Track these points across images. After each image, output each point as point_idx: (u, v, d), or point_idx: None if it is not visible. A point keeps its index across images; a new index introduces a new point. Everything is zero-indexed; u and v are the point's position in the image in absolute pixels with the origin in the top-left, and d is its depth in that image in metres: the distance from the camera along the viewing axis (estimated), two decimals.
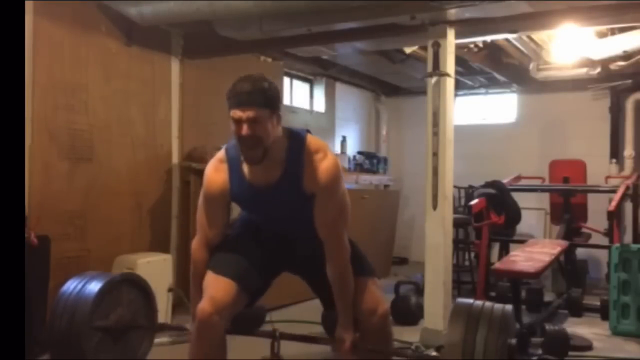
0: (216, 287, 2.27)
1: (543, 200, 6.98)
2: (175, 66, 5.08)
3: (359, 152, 7.45)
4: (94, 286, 2.56)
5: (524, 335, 3.69)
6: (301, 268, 2.54)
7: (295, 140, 2.28)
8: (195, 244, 2.43)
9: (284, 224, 2.44)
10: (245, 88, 2.13)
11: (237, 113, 2.15)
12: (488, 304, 2.24)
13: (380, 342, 2.42)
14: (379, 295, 2.42)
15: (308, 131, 2.37)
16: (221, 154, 2.38)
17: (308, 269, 2.51)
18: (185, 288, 4.72)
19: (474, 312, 2.17)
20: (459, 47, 4.66)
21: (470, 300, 2.30)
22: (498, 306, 2.21)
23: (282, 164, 2.26)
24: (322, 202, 2.28)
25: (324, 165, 2.26)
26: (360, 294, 2.35)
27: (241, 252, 2.39)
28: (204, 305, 2.23)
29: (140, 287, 2.78)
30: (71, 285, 2.60)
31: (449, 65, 4.12)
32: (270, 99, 2.16)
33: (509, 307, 2.24)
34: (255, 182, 2.29)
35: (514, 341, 2.15)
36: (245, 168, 2.30)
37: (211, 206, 2.39)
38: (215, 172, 2.36)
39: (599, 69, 6.13)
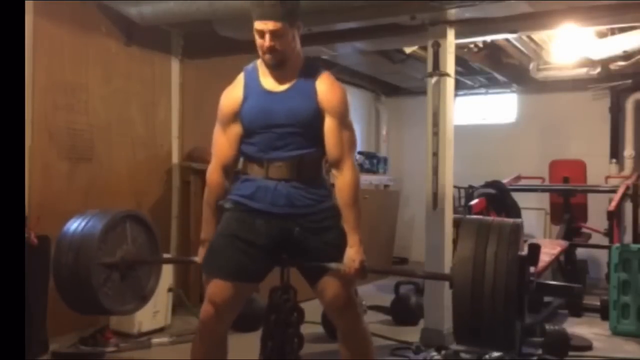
0: (214, 291, 2.28)
1: (543, 200, 6.98)
2: (175, 66, 5.09)
3: (359, 152, 7.44)
4: (98, 223, 2.56)
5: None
6: (298, 255, 2.41)
7: (312, 61, 2.43)
8: (211, 167, 2.46)
9: (286, 159, 2.34)
10: (271, 1, 2.20)
11: (259, 25, 2.23)
12: (498, 219, 2.24)
13: (359, 343, 2.43)
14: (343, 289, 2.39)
15: None
16: (240, 74, 2.45)
17: (305, 256, 2.40)
18: (185, 288, 4.73)
19: (484, 226, 2.16)
20: (459, 47, 4.67)
21: (480, 217, 2.31)
22: (508, 220, 2.22)
23: (298, 74, 2.35)
24: (332, 119, 2.34)
25: (336, 86, 2.37)
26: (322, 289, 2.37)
27: (234, 247, 2.32)
28: (206, 308, 2.27)
29: (143, 224, 2.79)
30: (74, 224, 2.59)
31: (449, 65, 4.12)
32: (292, 12, 2.25)
33: (518, 220, 2.26)
34: (269, 88, 2.35)
35: (524, 253, 2.16)
36: (262, 76, 2.37)
37: (226, 124, 2.40)
38: (232, 89, 2.42)
39: (599, 69, 6.14)
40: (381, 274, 2.21)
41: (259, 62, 2.37)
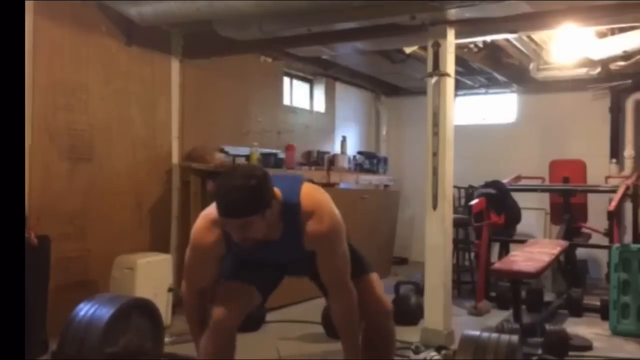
0: (230, 290, 2.33)
1: (543, 200, 6.98)
2: (175, 66, 5.08)
3: (359, 152, 7.45)
4: (104, 314, 2.57)
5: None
6: (300, 272, 2.59)
7: (289, 202, 2.21)
8: (188, 292, 2.38)
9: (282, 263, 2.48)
10: (234, 197, 2.03)
11: (227, 223, 2.09)
12: (494, 336, 2.25)
13: (383, 341, 2.43)
14: (381, 294, 2.43)
15: (310, 181, 2.38)
16: (212, 214, 2.20)
17: (307, 271, 2.54)
18: None
19: (481, 344, 2.17)
20: (459, 47, 4.67)
21: (477, 333, 2.32)
22: (504, 338, 2.23)
23: (279, 226, 2.22)
24: (324, 258, 2.28)
25: (323, 228, 2.21)
26: (363, 294, 2.37)
27: (247, 262, 2.41)
28: (219, 311, 2.29)
29: (148, 311, 2.80)
30: (80, 313, 2.61)
31: (449, 65, 4.12)
32: (261, 202, 2.07)
33: (514, 338, 2.25)
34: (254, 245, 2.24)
35: None
36: None
37: (203, 263, 2.31)
38: (207, 232, 2.25)
39: (599, 69, 6.14)
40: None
41: None
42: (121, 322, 2.63)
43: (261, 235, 2.11)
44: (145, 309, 2.78)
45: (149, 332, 2.79)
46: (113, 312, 2.57)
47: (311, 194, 2.26)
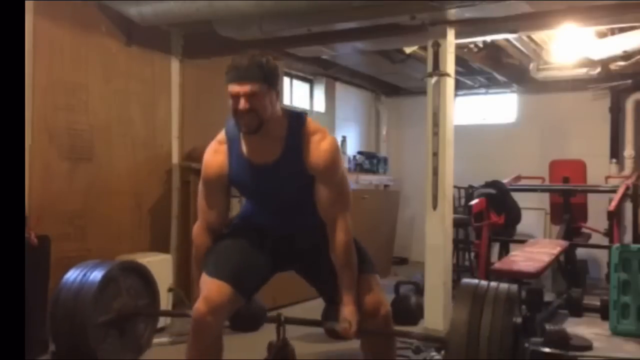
0: (210, 288, 2.26)
1: (543, 200, 6.98)
2: (175, 66, 5.08)
3: (359, 152, 7.45)
4: (91, 282, 2.52)
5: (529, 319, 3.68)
6: (300, 263, 2.51)
7: (295, 120, 2.28)
8: (197, 228, 2.42)
9: (282, 210, 2.41)
10: (243, 63, 2.12)
11: (234, 88, 2.14)
12: (493, 284, 2.24)
13: (382, 343, 2.42)
14: (380, 295, 2.40)
15: (306, 114, 2.38)
16: (221, 135, 2.35)
17: (307, 263, 2.49)
18: (185, 288, 4.73)
19: (479, 293, 2.16)
20: (459, 47, 4.67)
21: (476, 281, 2.31)
22: (503, 286, 2.22)
23: (281, 142, 2.25)
24: (322, 183, 2.28)
25: (323, 146, 2.25)
26: (362, 294, 2.34)
27: (237, 251, 2.36)
28: (198, 306, 2.24)
29: (137, 272, 2.77)
30: (67, 282, 2.56)
31: (449, 65, 4.12)
32: (269, 74, 2.15)
33: (514, 287, 2.25)
34: (255, 161, 2.28)
35: (519, 320, 2.15)
36: (245, 147, 2.29)
37: (210, 189, 2.37)
38: (214, 154, 2.34)
39: (599, 69, 6.14)
40: (376, 334, 2.22)
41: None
42: (110, 287, 2.59)
43: (263, 113, 2.15)
44: (134, 270, 2.75)
45: (142, 291, 2.76)
46: (100, 280, 2.51)
47: (315, 122, 2.34)
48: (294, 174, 2.27)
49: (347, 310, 2.27)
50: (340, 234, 2.28)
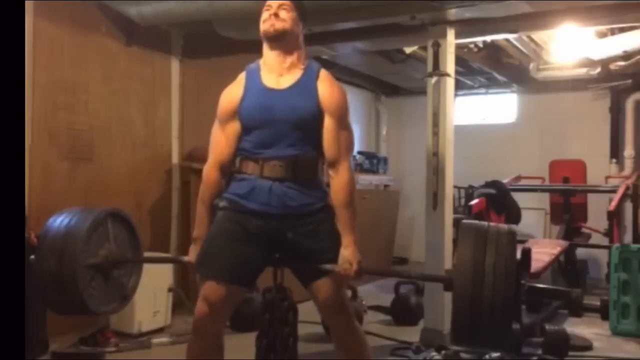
0: (209, 289, 2.27)
1: (543, 200, 6.98)
2: (175, 66, 5.08)
3: (359, 152, 7.45)
4: (81, 224, 2.50)
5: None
6: (292, 256, 2.41)
7: (312, 62, 2.44)
8: (208, 165, 2.45)
9: (281, 154, 2.33)
10: None
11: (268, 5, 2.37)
12: (493, 225, 2.27)
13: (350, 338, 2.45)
14: (336, 291, 2.39)
15: None
16: (242, 73, 2.47)
17: (298, 258, 2.39)
18: (185, 288, 4.73)
19: (481, 232, 2.19)
20: (459, 47, 4.67)
21: (476, 222, 2.35)
22: (503, 227, 2.25)
23: (299, 72, 2.37)
24: (332, 120, 2.35)
25: (337, 87, 2.40)
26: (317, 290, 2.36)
27: (228, 247, 2.31)
28: (199, 306, 2.26)
29: (124, 222, 2.77)
30: (54, 224, 2.54)
31: (449, 65, 4.12)
32: (300, 7, 2.39)
33: (513, 226, 2.29)
34: (270, 85, 2.36)
35: (518, 258, 2.21)
36: (264, 74, 2.39)
37: (223, 122, 2.41)
38: (231, 87, 2.44)
39: (599, 69, 6.14)
40: (377, 274, 2.21)
41: (262, 61, 2.42)
42: (98, 232, 2.57)
43: (289, 26, 2.35)
44: (119, 217, 2.75)
45: (127, 242, 2.76)
46: (89, 223, 2.49)
47: None
48: (305, 102, 2.32)
49: (348, 252, 2.30)
50: (343, 173, 2.34)
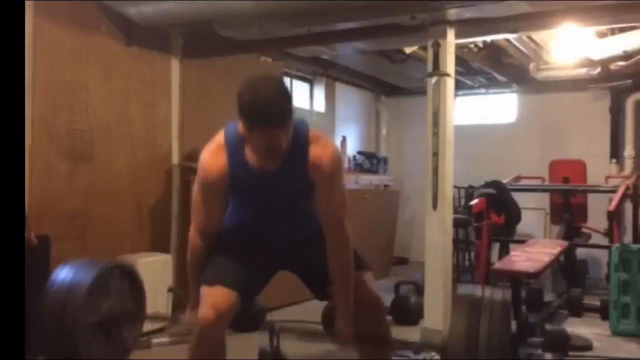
0: (216, 295, 2.27)
1: (543, 200, 6.98)
2: (175, 66, 5.08)
3: (359, 152, 7.45)
4: (83, 280, 2.51)
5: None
6: (295, 269, 2.53)
7: (299, 127, 2.24)
8: (192, 232, 2.39)
9: (279, 217, 2.40)
10: (271, 108, 2.03)
11: (265, 136, 2.07)
12: (488, 293, 2.26)
13: (378, 336, 2.44)
14: (373, 289, 2.43)
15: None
16: (219, 139, 2.28)
17: (302, 270, 2.52)
18: (185, 288, 4.73)
19: (475, 303, 2.18)
20: (459, 47, 4.66)
21: (471, 289, 2.33)
22: (498, 297, 2.23)
23: (285, 149, 2.20)
24: (325, 187, 2.29)
25: (326, 153, 2.26)
26: (356, 289, 2.36)
27: (234, 261, 2.36)
28: (206, 313, 2.23)
29: (127, 274, 2.77)
30: (57, 280, 2.54)
31: (449, 65, 4.12)
32: (291, 109, 2.11)
33: (507, 296, 2.27)
34: (257, 166, 2.22)
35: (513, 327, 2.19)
36: (248, 153, 2.22)
37: (209, 193, 2.31)
38: (213, 157, 2.26)
39: (599, 69, 6.13)
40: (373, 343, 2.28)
41: (244, 137, 2.19)
42: (99, 287, 2.58)
43: (284, 145, 2.11)
44: (124, 272, 2.74)
45: (128, 294, 2.75)
46: (91, 281, 2.50)
47: (316, 129, 2.34)
48: (296, 180, 2.27)
49: (342, 323, 2.31)
50: (339, 232, 2.31)
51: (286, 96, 2.10)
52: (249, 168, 2.22)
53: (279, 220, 2.41)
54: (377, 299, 2.41)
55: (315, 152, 2.24)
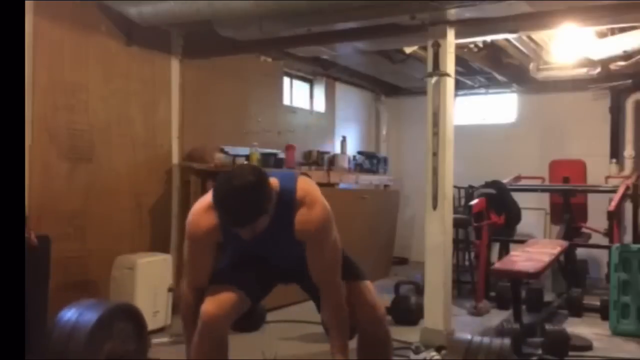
0: (218, 291, 2.29)
1: (543, 200, 6.98)
2: (175, 66, 5.08)
3: (359, 152, 7.45)
4: (88, 321, 2.51)
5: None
6: (292, 280, 2.58)
7: (284, 191, 2.24)
8: (187, 288, 2.38)
9: (274, 265, 2.47)
10: (237, 212, 2.07)
11: (238, 230, 2.13)
12: (486, 340, 2.24)
13: (379, 346, 2.44)
14: (374, 300, 2.44)
15: (303, 173, 2.37)
16: (207, 200, 2.25)
17: (303, 282, 2.54)
18: None
19: (470, 352, 2.17)
20: (459, 47, 4.66)
21: (469, 337, 2.31)
22: (496, 342, 2.22)
23: (272, 215, 2.20)
24: (314, 251, 2.28)
25: (312, 216, 2.22)
26: (356, 300, 2.38)
27: (238, 269, 2.41)
28: (208, 307, 2.25)
29: (129, 313, 2.76)
30: (62, 320, 2.56)
31: (449, 65, 4.12)
32: (265, 203, 2.11)
33: (507, 341, 2.24)
34: (248, 235, 2.21)
35: None
36: None
37: (200, 249, 2.32)
38: (204, 217, 2.25)
39: (599, 69, 6.14)
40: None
41: None
42: (102, 329, 2.59)
43: (259, 230, 2.15)
44: (128, 312, 2.74)
45: (131, 334, 2.76)
46: (96, 320, 2.52)
47: (305, 185, 2.29)
48: (284, 241, 2.28)
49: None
50: (332, 302, 2.31)
51: (255, 195, 2.08)
52: (238, 236, 2.20)
53: (274, 264, 2.47)
54: (374, 312, 2.42)
55: (301, 217, 2.22)
